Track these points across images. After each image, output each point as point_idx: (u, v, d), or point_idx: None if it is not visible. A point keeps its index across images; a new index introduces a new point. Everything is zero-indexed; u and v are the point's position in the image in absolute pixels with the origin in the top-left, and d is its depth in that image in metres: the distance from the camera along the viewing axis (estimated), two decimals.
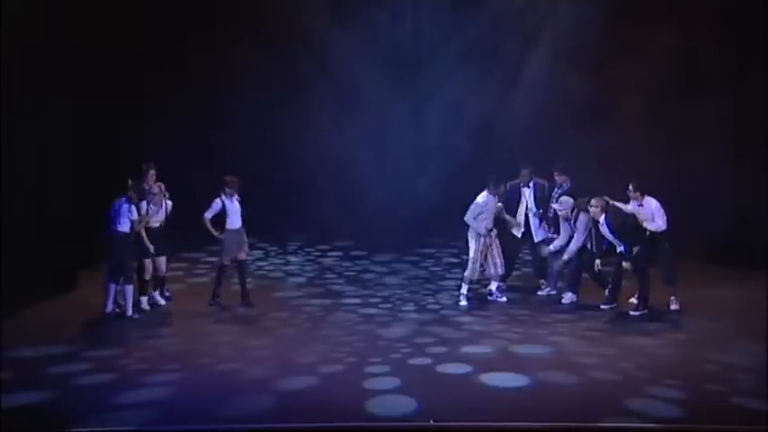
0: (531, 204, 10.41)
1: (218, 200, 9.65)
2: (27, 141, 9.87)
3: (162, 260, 9.70)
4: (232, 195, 9.77)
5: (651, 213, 9.50)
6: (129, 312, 9.20)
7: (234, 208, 9.77)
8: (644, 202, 9.57)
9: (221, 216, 9.72)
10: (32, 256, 9.85)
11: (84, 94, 11.42)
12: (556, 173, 10.24)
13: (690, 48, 12.59)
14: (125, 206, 9.14)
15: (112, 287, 9.18)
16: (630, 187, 9.59)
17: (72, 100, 11.05)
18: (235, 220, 9.79)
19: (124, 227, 9.18)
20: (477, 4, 14.26)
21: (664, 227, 9.49)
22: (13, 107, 9.50)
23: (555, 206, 10.00)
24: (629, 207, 9.55)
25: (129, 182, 9.27)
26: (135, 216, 9.20)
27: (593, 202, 9.41)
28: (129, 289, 9.24)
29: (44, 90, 10.35)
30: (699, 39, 12.47)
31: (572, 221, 9.78)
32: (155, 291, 9.82)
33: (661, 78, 12.72)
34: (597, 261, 9.64)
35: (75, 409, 6.59)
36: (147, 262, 9.51)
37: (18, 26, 9.66)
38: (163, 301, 9.87)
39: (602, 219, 9.36)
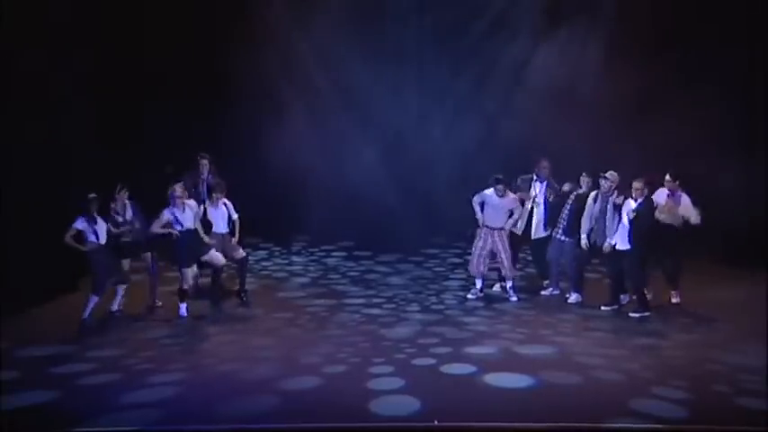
0: (540, 199, 10.34)
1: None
2: (34, 142, 9.87)
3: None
4: (218, 200, 9.73)
5: (681, 205, 9.37)
6: (114, 307, 9.29)
7: (216, 213, 9.73)
8: (677, 193, 9.44)
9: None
10: (38, 256, 9.85)
11: (94, 94, 11.40)
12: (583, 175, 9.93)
13: (700, 45, 12.50)
14: (83, 224, 8.90)
15: (92, 299, 8.97)
16: (668, 176, 9.43)
17: (82, 100, 11.04)
18: (218, 225, 9.76)
19: (92, 237, 9.01)
20: (482, 3, 14.26)
21: (698, 220, 9.30)
22: (23, 105, 9.49)
23: (605, 175, 9.40)
24: (656, 197, 9.44)
25: (90, 197, 8.95)
26: (99, 227, 9.01)
27: (608, 174, 9.27)
28: (121, 289, 9.31)
29: (54, 89, 10.33)
30: (709, 35, 12.40)
31: (611, 196, 9.38)
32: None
33: (669, 77, 12.66)
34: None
35: (79, 408, 6.60)
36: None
37: (27, 21, 9.65)
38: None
39: (614, 196, 9.22)
